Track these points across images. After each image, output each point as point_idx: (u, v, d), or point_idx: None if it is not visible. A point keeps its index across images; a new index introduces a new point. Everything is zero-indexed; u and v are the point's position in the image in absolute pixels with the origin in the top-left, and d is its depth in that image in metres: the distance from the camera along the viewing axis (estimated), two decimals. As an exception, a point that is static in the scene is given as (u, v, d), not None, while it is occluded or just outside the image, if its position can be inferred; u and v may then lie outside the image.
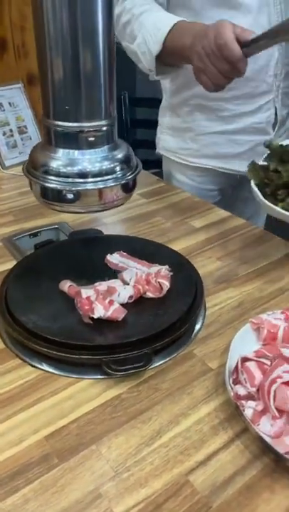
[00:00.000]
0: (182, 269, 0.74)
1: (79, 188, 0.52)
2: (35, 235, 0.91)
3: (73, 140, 0.51)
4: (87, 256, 0.77)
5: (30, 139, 1.24)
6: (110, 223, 0.96)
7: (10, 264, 0.79)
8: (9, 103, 1.20)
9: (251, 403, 0.50)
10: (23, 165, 0.56)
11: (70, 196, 0.53)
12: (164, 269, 0.70)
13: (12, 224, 0.94)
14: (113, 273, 0.72)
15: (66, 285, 0.68)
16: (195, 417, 0.53)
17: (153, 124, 1.83)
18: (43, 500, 0.45)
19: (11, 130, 1.20)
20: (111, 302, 0.62)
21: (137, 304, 0.66)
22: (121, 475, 0.47)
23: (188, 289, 0.69)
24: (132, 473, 0.47)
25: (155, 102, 1.87)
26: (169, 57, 0.81)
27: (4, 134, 1.19)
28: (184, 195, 1.10)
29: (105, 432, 0.52)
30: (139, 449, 0.50)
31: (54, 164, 0.52)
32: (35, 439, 0.51)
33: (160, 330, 0.61)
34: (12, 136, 1.20)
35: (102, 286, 0.66)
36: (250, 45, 0.63)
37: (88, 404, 0.55)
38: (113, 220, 0.97)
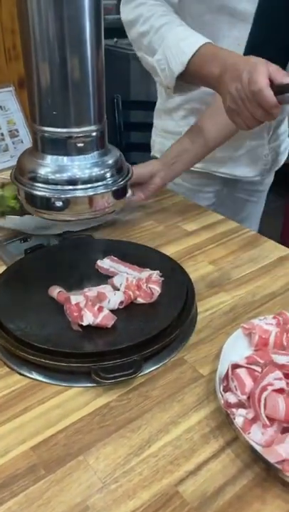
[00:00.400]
0: (173, 273, 0.73)
1: (68, 196, 0.52)
2: (25, 239, 0.90)
3: (62, 146, 0.50)
4: (77, 261, 0.77)
5: (22, 142, 1.23)
6: (101, 227, 0.95)
7: (0, 269, 0.78)
8: (0, 106, 1.19)
9: (242, 411, 0.49)
10: (12, 171, 0.55)
11: (59, 204, 0.52)
12: (155, 274, 0.69)
13: (2, 228, 0.93)
14: (104, 278, 0.71)
15: (55, 291, 0.67)
16: (185, 426, 0.53)
17: (147, 127, 1.82)
18: (29, 514, 0.44)
19: (2, 134, 1.19)
20: (100, 309, 0.61)
21: (127, 310, 0.65)
22: (109, 486, 0.46)
23: (179, 294, 0.68)
24: (120, 485, 0.46)
25: (149, 105, 1.87)
26: (191, 78, 0.80)
27: (-5, 137, 1.18)
28: (177, 199, 1.09)
29: (93, 442, 0.51)
30: (128, 459, 0.49)
31: (42, 171, 0.51)
32: (21, 449, 0.50)
33: (150, 336, 0.60)
34: (3, 139, 1.19)
35: (92, 292, 0.65)
36: (284, 93, 0.62)
37: (76, 413, 0.54)
38: (103, 224, 0.97)
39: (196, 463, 0.49)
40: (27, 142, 1.24)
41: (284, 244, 0.91)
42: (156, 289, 0.67)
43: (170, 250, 0.86)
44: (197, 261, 0.84)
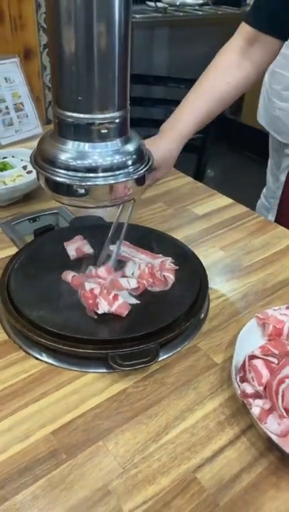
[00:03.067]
0: (186, 259, 0.73)
1: (89, 183, 0.51)
2: (34, 219, 0.89)
3: (84, 132, 0.49)
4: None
5: (27, 116, 1.20)
6: (111, 209, 0.94)
7: (9, 251, 0.78)
8: (5, 78, 1.15)
9: (258, 401, 0.50)
10: (32, 153, 0.53)
11: (80, 191, 0.51)
12: (169, 262, 0.69)
13: (11, 208, 0.92)
14: (116, 262, 0.71)
15: (69, 275, 0.67)
16: (201, 413, 0.54)
17: (148, 102, 1.78)
18: (52, 498, 0.45)
19: (6, 107, 1.16)
20: (115, 297, 0.61)
21: (142, 297, 0.65)
22: (129, 471, 0.48)
23: (192, 281, 0.68)
24: (139, 470, 0.48)
25: (149, 79, 1.82)
26: None
27: (0, 111, 1.14)
28: (185, 180, 1.08)
29: (112, 428, 0.52)
30: (146, 445, 0.50)
31: (63, 157, 0.50)
32: (42, 434, 0.51)
33: (167, 324, 0.60)
34: (8, 113, 1.16)
35: (106, 279, 0.65)
36: None
37: (94, 398, 0.55)
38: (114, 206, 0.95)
39: (213, 450, 0.50)
40: (32, 117, 1.21)
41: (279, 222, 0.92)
42: (171, 277, 0.67)
43: (180, 234, 0.86)
44: (208, 246, 0.84)
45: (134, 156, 0.52)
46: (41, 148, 0.52)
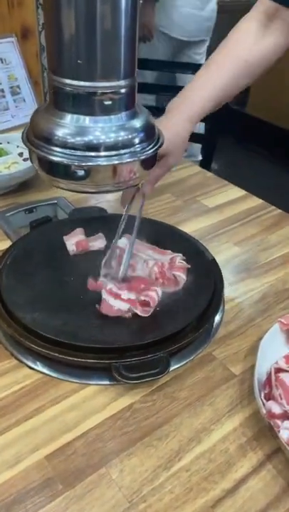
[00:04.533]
0: (198, 256, 0.66)
1: (89, 164, 0.43)
2: (30, 210, 0.81)
3: (85, 103, 0.41)
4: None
5: (24, 100, 1.12)
6: (114, 200, 0.87)
7: (3, 244, 0.70)
8: (1, 59, 1.07)
9: (288, 424, 0.43)
10: (23, 130, 0.46)
11: (79, 173, 0.43)
12: (179, 259, 0.62)
13: (5, 198, 0.84)
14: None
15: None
16: (219, 434, 0.47)
17: (150, 88, 1.70)
18: (46, 539, 0.38)
19: (2, 90, 1.08)
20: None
21: (150, 298, 0.58)
22: (136, 506, 0.40)
23: (206, 281, 0.61)
24: (149, 505, 0.41)
25: (152, 64, 1.74)
26: None
27: (-5, 94, 1.06)
28: (194, 170, 1.00)
29: (116, 452, 0.45)
30: (156, 474, 0.43)
31: (60, 132, 0.42)
32: (34, 459, 0.44)
33: (178, 330, 0.53)
34: (4, 97, 1.08)
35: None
36: None
37: (95, 416, 0.48)
38: (117, 196, 0.88)
39: (234, 479, 0.43)
40: (30, 101, 1.13)
41: None
42: (182, 277, 0.59)
43: (190, 228, 0.78)
44: (221, 241, 0.77)
45: (142, 134, 0.45)
46: (34, 123, 0.44)
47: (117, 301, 0.55)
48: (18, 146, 0.91)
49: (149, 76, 1.85)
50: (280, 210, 0.87)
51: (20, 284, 0.59)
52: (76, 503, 0.40)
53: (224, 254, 0.73)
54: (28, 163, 0.84)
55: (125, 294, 0.55)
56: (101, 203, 0.83)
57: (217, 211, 0.86)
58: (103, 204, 0.81)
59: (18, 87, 1.10)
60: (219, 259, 0.68)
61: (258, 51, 0.69)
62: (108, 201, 0.85)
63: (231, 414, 0.49)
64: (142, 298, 0.55)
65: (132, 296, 0.55)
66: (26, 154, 0.87)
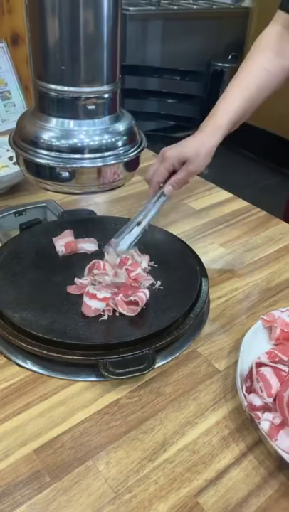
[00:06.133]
0: (184, 257, 0.67)
1: (74, 166, 0.45)
2: (20, 213, 0.82)
3: (69, 108, 0.43)
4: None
5: (14, 105, 1.13)
6: (103, 203, 0.89)
7: (-8, 247, 0.71)
8: (-10, 65, 1.09)
9: (268, 415, 0.45)
10: (10, 134, 0.47)
11: (64, 174, 0.45)
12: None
13: (-6, 201, 0.85)
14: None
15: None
16: (202, 427, 0.48)
17: (142, 94, 1.71)
18: (33, 529, 0.39)
19: (-8, 95, 1.09)
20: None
21: (136, 297, 0.59)
22: (122, 496, 0.42)
23: (191, 281, 0.62)
24: (134, 495, 0.42)
25: (145, 70, 1.76)
26: None
27: (-15, 99, 1.07)
28: (182, 173, 1.02)
29: (103, 445, 0.46)
30: (142, 465, 0.44)
31: (46, 136, 0.44)
32: (23, 452, 0.45)
33: (163, 327, 0.54)
34: (-6, 102, 1.09)
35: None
36: None
37: (83, 411, 0.49)
38: (106, 199, 0.89)
39: (217, 470, 0.44)
40: (20, 106, 1.14)
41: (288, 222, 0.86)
42: (142, 299, 0.58)
43: (177, 230, 0.80)
44: (207, 242, 0.79)
45: (125, 137, 0.46)
46: (21, 127, 0.45)
47: (92, 300, 0.56)
48: (8, 150, 0.92)
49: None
50: (264, 212, 0.89)
51: (9, 284, 0.60)
52: (64, 494, 0.42)
53: (210, 255, 0.75)
54: (18, 167, 0.86)
55: (101, 294, 0.56)
56: (90, 205, 0.85)
57: (203, 213, 0.87)
58: (92, 206, 0.83)
59: (8, 92, 1.11)
60: (205, 259, 0.70)
61: (280, 65, 0.72)
62: (97, 203, 0.87)
63: (215, 408, 0.50)
64: (132, 298, 0.56)
65: (108, 294, 0.56)
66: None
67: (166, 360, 0.55)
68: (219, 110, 0.69)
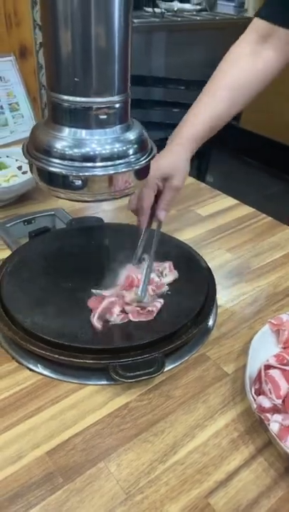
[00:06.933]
0: (192, 262, 0.68)
1: (86, 174, 0.46)
2: (29, 221, 0.84)
3: (81, 118, 0.44)
4: (87, 246, 0.71)
5: (22, 117, 1.16)
6: (110, 210, 0.90)
7: (3, 253, 0.73)
8: (0, 77, 1.11)
9: (277, 417, 0.45)
10: (23, 144, 0.49)
11: (77, 182, 0.46)
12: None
13: (4, 209, 0.87)
14: (117, 266, 0.66)
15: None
16: (212, 430, 0.49)
17: (148, 104, 1.74)
18: (47, 529, 0.40)
19: (1, 107, 1.12)
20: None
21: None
22: (133, 497, 0.42)
23: (199, 285, 0.63)
24: (145, 496, 0.42)
25: (150, 80, 1.79)
26: None
27: (-6, 110, 1.10)
28: (188, 181, 1.03)
29: (114, 447, 0.47)
30: (153, 467, 0.45)
31: (58, 145, 0.45)
32: (35, 455, 0.46)
33: (172, 331, 0.55)
34: (3, 113, 1.12)
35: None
36: None
37: (94, 414, 0.50)
38: (113, 207, 0.91)
39: (227, 472, 0.45)
40: (28, 117, 1.17)
41: None
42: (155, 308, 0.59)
43: (184, 236, 0.81)
44: (214, 248, 0.80)
45: (136, 145, 0.48)
46: (34, 137, 0.47)
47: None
48: (17, 160, 0.94)
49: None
50: (270, 218, 0.90)
51: (20, 290, 0.61)
52: (76, 495, 0.42)
53: (217, 261, 0.76)
54: (27, 176, 0.88)
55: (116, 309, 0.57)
56: (98, 213, 0.86)
57: (210, 220, 0.89)
58: (100, 214, 0.84)
59: (16, 103, 1.14)
60: (212, 265, 0.71)
61: (253, 72, 0.71)
62: (104, 211, 0.88)
63: (224, 411, 0.51)
64: (150, 309, 0.58)
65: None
66: (25, 168, 0.91)
67: (176, 364, 0.56)
68: (194, 120, 0.68)
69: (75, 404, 0.51)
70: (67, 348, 0.53)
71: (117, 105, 0.46)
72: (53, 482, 0.43)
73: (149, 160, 0.50)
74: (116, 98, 0.45)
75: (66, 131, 0.45)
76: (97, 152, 0.45)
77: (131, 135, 0.48)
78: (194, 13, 2.91)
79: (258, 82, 0.71)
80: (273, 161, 2.86)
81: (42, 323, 0.55)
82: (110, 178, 0.47)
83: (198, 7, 2.92)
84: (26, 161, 0.49)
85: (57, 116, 0.45)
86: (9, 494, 0.42)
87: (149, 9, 2.68)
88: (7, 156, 0.95)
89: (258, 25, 0.71)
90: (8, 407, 0.50)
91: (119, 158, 0.47)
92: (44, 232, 0.79)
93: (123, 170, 0.47)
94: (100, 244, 0.71)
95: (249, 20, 0.74)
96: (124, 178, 0.48)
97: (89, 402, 0.51)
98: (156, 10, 2.69)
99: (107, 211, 0.89)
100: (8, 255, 0.69)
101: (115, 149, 0.46)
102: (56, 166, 0.45)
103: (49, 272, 0.65)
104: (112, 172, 0.46)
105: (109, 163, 0.46)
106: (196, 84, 1.56)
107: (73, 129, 0.45)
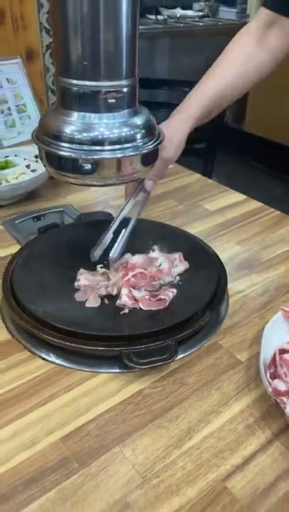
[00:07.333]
0: (202, 253, 0.68)
1: (95, 157, 0.46)
2: (38, 218, 0.84)
3: (90, 102, 0.45)
4: (97, 239, 0.71)
5: (30, 118, 1.17)
6: (118, 206, 0.90)
7: (13, 249, 0.73)
8: (7, 79, 1.13)
9: (293, 399, 0.44)
10: (33, 131, 0.49)
11: (86, 166, 0.46)
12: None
13: (14, 206, 0.87)
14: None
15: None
16: (227, 415, 0.48)
17: (152, 106, 1.76)
18: (63, 512, 0.39)
19: (9, 108, 1.13)
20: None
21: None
22: (149, 481, 0.42)
23: (210, 274, 0.63)
24: (161, 480, 0.42)
25: (155, 83, 1.81)
26: None
27: (2, 112, 1.11)
28: (195, 177, 1.04)
29: (128, 433, 0.46)
30: (168, 452, 0.44)
31: (68, 129, 0.45)
32: (50, 440, 0.45)
33: (185, 319, 0.55)
34: (10, 114, 1.13)
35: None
36: None
37: (107, 401, 0.49)
38: (121, 202, 0.91)
39: (243, 456, 0.44)
40: (35, 118, 1.18)
41: None
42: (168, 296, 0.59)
43: (193, 230, 0.81)
44: (223, 241, 0.79)
45: (143, 130, 0.48)
46: (43, 123, 0.47)
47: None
48: (25, 159, 0.95)
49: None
50: (278, 212, 0.89)
51: (31, 281, 0.61)
52: (92, 480, 0.42)
53: (227, 253, 0.76)
54: (35, 174, 0.88)
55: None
56: (106, 208, 0.87)
57: (219, 214, 0.88)
58: (108, 210, 0.84)
59: (23, 105, 1.15)
60: (222, 257, 0.71)
61: (256, 58, 0.73)
62: (113, 207, 0.88)
63: (238, 397, 0.50)
64: (162, 297, 0.58)
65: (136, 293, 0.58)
66: (33, 166, 0.91)
67: (188, 353, 0.56)
68: (194, 98, 0.69)
69: (88, 392, 0.50)
70: (79, 335, 0.52)
71: (125, 89, 0.46)
72: (68, 467, 0.43)
73: (157, 145, 0.50)
74: (124, 82, 0.46)
75: (75, 116, 0.46)
76: (105, 136, 0.46)
77: (138, 120, 0.49)
78: (197, 19, 2.93)
79: (261, 67, 0.73)
80: (277, 164, 2.86)
81: (54, 312, 0.55)
82: (118, 162, 0.47)
83: (201, 13, 2.95)
84: (34, 159, 0.50)
85: (66, 101, 0.46)
86: (24, 479, 0.42)
87: (152, 17, 2.71)
88: (15, 155, 0.95)
89: (263, 14, 0.73)
90: (21, 395, 0.50)
91: (127, 141, 0.47)
92: (53, 228, 0.79)
93: (131, 154, 0.47)
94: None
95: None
96: (132, 162, 0.49)
97: (102, 390, 0.51)
98: (159, 17, 2.72)
99: (115, 207, 0.89)
100: (18, 250, 0.70)
101: (123, 133, 0.47)
102: (65, 150, 0.46)
103: (59, 264, 0.65)
104: (120, 155, 0.47)
105: (117, 146, 0.46)
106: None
107: (82, 113, 0.46)
